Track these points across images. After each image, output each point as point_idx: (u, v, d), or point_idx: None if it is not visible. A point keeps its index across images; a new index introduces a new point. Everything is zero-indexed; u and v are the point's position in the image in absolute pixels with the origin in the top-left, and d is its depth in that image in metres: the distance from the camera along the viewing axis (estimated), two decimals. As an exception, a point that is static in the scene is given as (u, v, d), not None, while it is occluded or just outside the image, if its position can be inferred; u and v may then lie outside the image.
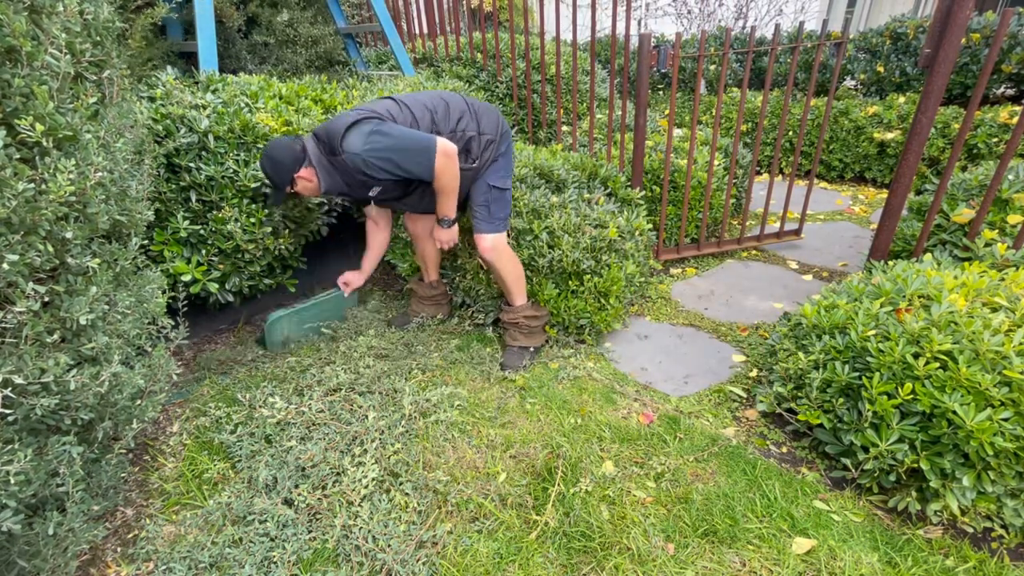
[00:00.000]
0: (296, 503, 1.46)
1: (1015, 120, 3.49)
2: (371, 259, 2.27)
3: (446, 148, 1.71)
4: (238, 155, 2.00)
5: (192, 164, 1.91)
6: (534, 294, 2.17)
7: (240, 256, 2.10)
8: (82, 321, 1.10)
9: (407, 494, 1.49)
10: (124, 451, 1.38)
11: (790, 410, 1.71)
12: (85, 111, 1.16)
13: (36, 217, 0.99)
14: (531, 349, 2.15)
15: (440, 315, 2.46)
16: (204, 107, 1.98)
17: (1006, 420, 1.21)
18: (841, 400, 1.49)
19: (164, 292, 1.53)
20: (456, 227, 1.99)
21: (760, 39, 6.38)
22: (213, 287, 2.02)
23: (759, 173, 4.76)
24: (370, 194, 1.84)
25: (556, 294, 2.15)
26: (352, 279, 2.30)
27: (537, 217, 2.16)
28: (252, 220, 2.03)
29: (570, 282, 2.15)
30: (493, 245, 1.95)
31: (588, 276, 2.12)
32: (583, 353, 2.17)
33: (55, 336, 1.07)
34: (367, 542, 1.35)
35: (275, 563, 1.30)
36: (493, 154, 1.95)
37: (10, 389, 0.98)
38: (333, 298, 2.39)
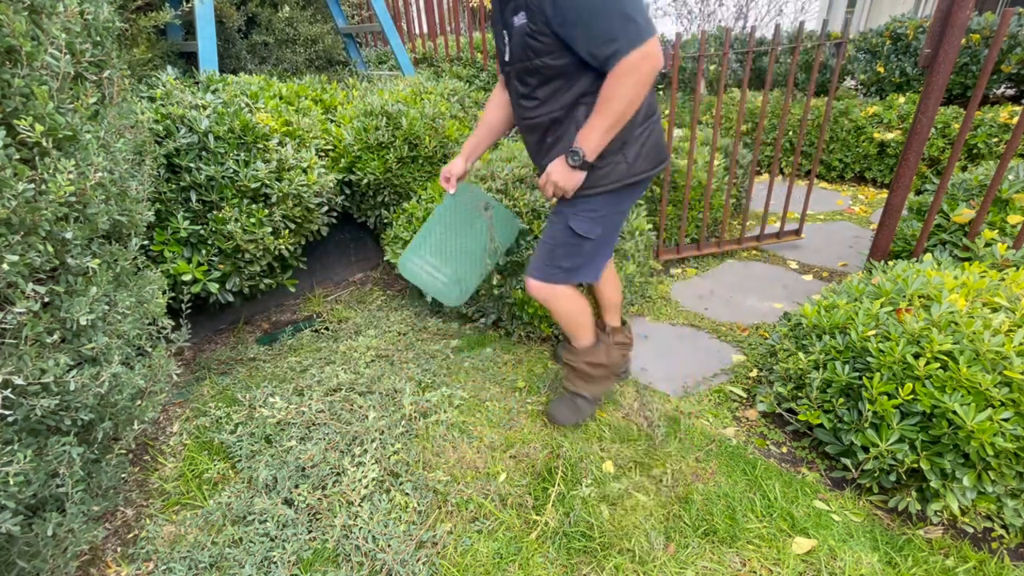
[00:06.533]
0: (296, 503, 1.46)
1: (1015, 120, 3.49)
2: (475, 140, 1.67)
3: (655, 52, 1.16)
4: (238, 155, 2.00)
5: (192, 164, 1.91)
6: (526, 301, 2.15)
7: (240, 256, 2.10)
8: (82, 322, 1.10)
9: (407, 494, 1.49)
10: (124, 451, 1.38)
11: (790, 410, 1.71)
12: (85, 111, 1.16)
13: (36, 217, 0.99)
14: (585, 403, 1.74)
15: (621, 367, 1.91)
16: (204, 107, 1.98)
17: (1006, 420, 1.21)
18: (841, 400, 1.49)
19: (164, 292, 1.53)
20: (581, 176, 1.34)
21: (760, 39, 6.38)
22: (213, 287, 2.02)
23: (759, 173, 4.76)
24: (514, 18, 1.26)
25: None
26: (454, 169, 1.67)
27: (537, 217, 2.16)
28: (252, 220, 2.03)
29: (570, 282, 2.15)
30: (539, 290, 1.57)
31: (588, 276, 2.12)
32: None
33: (55, 337, 1.07)
34: (367, 542, 1.35)
35: (275, 563, 1.30)
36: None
37: (10, 390, 0.98)
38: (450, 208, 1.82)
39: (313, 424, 1.73)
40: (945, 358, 1.32)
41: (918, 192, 3.50)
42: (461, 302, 1.95)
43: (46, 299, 1.06)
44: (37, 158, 1.04)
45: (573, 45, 1.20)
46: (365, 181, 2.57)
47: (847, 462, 1.48)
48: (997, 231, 1.90)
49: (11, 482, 0.95)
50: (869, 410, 1.39)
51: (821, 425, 1.55)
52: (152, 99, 1.95)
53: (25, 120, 0.99)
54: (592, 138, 1.27)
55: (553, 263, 1.51)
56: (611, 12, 1.12)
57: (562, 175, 1.34)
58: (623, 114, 1.23)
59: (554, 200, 1.46)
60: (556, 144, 1.39)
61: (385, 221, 2.73)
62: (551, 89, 1.31)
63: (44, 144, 1.03)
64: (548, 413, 1.76)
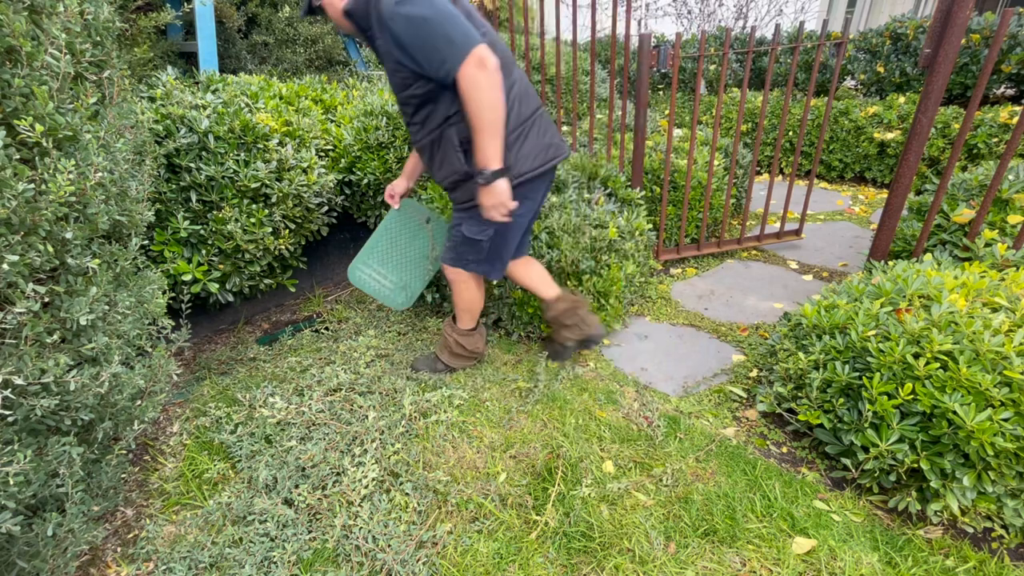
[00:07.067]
0: (296, 503, 1.46)
1: (1015, 120, 3.49)
2: (412, 162, 1.96)
3: (483, 56, 1.29)
4: (238, 155, 2.00)
5: (192, 164, 1.91)
6: (526, 302, 2.15)
7: (240, 256, 2.10)
8: (82, 322, 1.10)
9: (407, 494, 1.49)
10: (124, 451, 1.38)
11: (790, 410, 1.71)
12: (85, 111, 1.16)
13: (36, 217, 0.99)
14: (442, 367, 2.03)
15: (584, 330, 1.99)
16: (204, 107, 1.98)
17: (1006, 420, 1.21)
18: (841, 400, 1.49)
19: (164, 292, 1.53)
20: (505, 184, 1.46)
21: (760, 39, 6.38)
22: (213, 287, 2.02)
23: (759, 173, 4.76)
24: (386, 61, 1.47)
25: None
26: (397, 188, 1.99)
27: (536, 217, 2.16)
28: (252, 220, 2.03)
29: (568, 282, 2.15)
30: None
31: (587, 276, 2.12)
32: (583, 353, 2.17)
33: (55, 337, 1.07)
34: (367, 542, 1.35)
35: (275, 563, 1.30)
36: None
37: (10, 390, 0.98)
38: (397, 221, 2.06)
39: (313, 424, 1.73)
40: (945, 358, 1.32)
41: (918, 192, 3.50)
42: (407, 306, 2.15)
43: (46, 299, 1.06)
44: (37, 158, 1.04)
45: (424, 73, 1.38)
46: (365, 181, 2.57)
47: (847, 462, 1.48)
48: (997, 231, 1.90)
49: (11, 482, 0.95)
50: (869, 410, 1.39)
51: (821, 425, 1.55)
52: (152, 99, 1.95)
53: (25, 120, 0.99)
54: (482, 151, 1.41)
55: (459, 256, 1.75)
56: (436, 39, 1.30)
57: (487, 197, 1.48)
58: (494, 119, 1.36)
59: (507, 212, 1.53)
60: (443, 163, 1.58)
61: (385, 221, 2.73)
62: (424, 115, 1.52)
63: (44, 144, 1.03)
64: (414, 361, 2.08)
